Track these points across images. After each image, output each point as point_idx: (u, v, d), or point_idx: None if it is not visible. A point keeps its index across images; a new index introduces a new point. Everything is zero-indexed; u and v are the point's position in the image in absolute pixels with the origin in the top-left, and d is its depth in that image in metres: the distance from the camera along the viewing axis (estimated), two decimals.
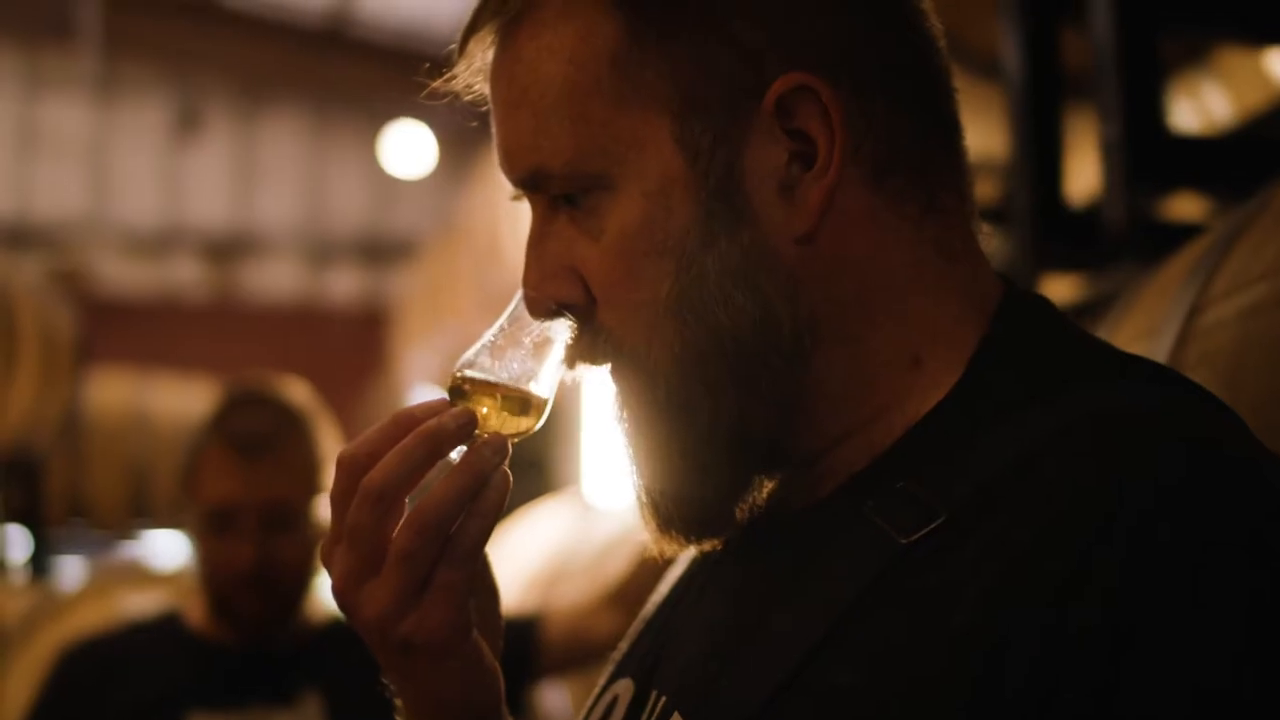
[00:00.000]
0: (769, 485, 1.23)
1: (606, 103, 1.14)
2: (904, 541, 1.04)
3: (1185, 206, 3.07)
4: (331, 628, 3.07)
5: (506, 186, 1.23)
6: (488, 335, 1.22)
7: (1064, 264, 2.85)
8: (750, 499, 1.20)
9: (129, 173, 15.47)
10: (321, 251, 16.23)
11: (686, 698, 1.18)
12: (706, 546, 1.22)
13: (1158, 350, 1.57)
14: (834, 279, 1.14)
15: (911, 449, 1.12)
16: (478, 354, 1.21)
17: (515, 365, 1.21)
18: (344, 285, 16.33)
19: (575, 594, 3.61)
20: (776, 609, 1.13)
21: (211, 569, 2.97)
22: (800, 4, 1.13)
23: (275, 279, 16.07)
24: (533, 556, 4.94)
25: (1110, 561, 0.93)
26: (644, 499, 1.20)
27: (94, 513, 8.03)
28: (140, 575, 5.21)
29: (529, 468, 7.85)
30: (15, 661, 4.67)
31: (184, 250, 15.85)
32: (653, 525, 1.20)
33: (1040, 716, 0.93)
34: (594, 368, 1.20)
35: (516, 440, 1.21)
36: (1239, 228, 1.62)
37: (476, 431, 1.18)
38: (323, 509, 2.97)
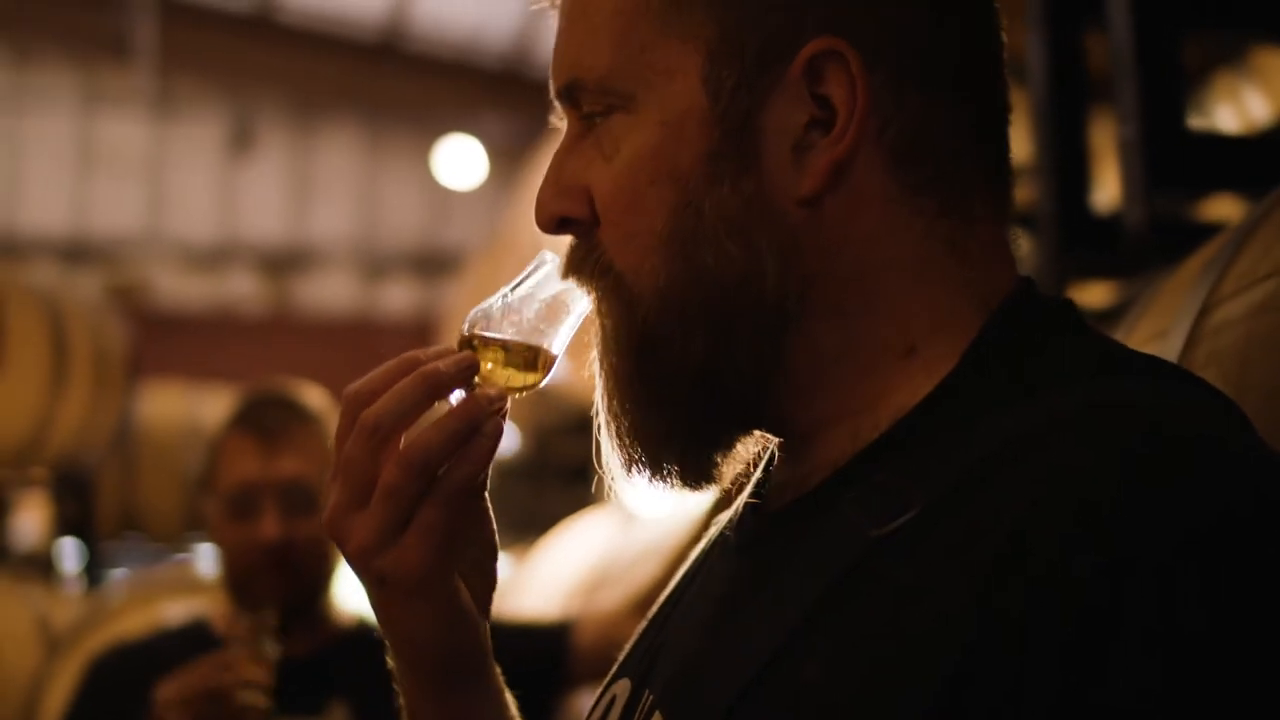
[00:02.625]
0: (767, 470, 1.23)
1: (652, 28, 1.14)
2: (875, 533, 1.03)
3: (1222, 208, 3.04)
4: (357, 631, 3.07)
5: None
6: (505, 290, 1.24)
7: (1091, 270, 2.83)
8: (729, 456, 1.20)
9: (185, 188, 15.60)
10: (375, 264, 16.32)
11: (668, 697, 1.18)
12: (671, 489, 1.21)
13: (1168, 351, 1.55)
14: (834, 252, 1.13)
15: (895, 441, 1.10)
16: (491, 307, 1.23)
17: (527, 322, 1.22)
18: (398, 298, 16.41)
19: (609, 601, 3.62)
20: (755, 604, 1.13)
21: (234, 555, 2.99)
22: None
23: (330, 292, 16.16)
24: (576, 565, 4.94)
25: (1088, 560, 0.91)
26: (609, 431, 1.20)
27: (147, 525, 8.09)
28: (186, 584, 5.25)
29: (573, 478, 7.86)
30: (63, 669, 4.73)
31: (239, 264, 15.97)
32: (617, 459, 1.20)
33: (1010, 716, 0.91)
34: (581, 285, 1.20)
35: (521, 395, 1.22)
36: (1251, 226, 1.61)
37: (479, 380, 1.20)
38: None
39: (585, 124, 1.19)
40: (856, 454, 1.12)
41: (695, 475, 1.19)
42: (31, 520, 7.61)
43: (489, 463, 1.18)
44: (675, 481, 1.19)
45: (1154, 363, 1.13)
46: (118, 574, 8.35)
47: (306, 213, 16.16)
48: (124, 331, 6.99)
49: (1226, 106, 3.72)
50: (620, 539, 4.73)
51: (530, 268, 1.24)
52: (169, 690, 2.57)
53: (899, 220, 1.13)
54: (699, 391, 1.15)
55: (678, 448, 1.18)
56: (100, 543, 7.40)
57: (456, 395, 1.20)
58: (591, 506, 6.03)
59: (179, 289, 15.55)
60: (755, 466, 1.28)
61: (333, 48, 14.91)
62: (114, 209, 15.32)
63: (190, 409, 8.19)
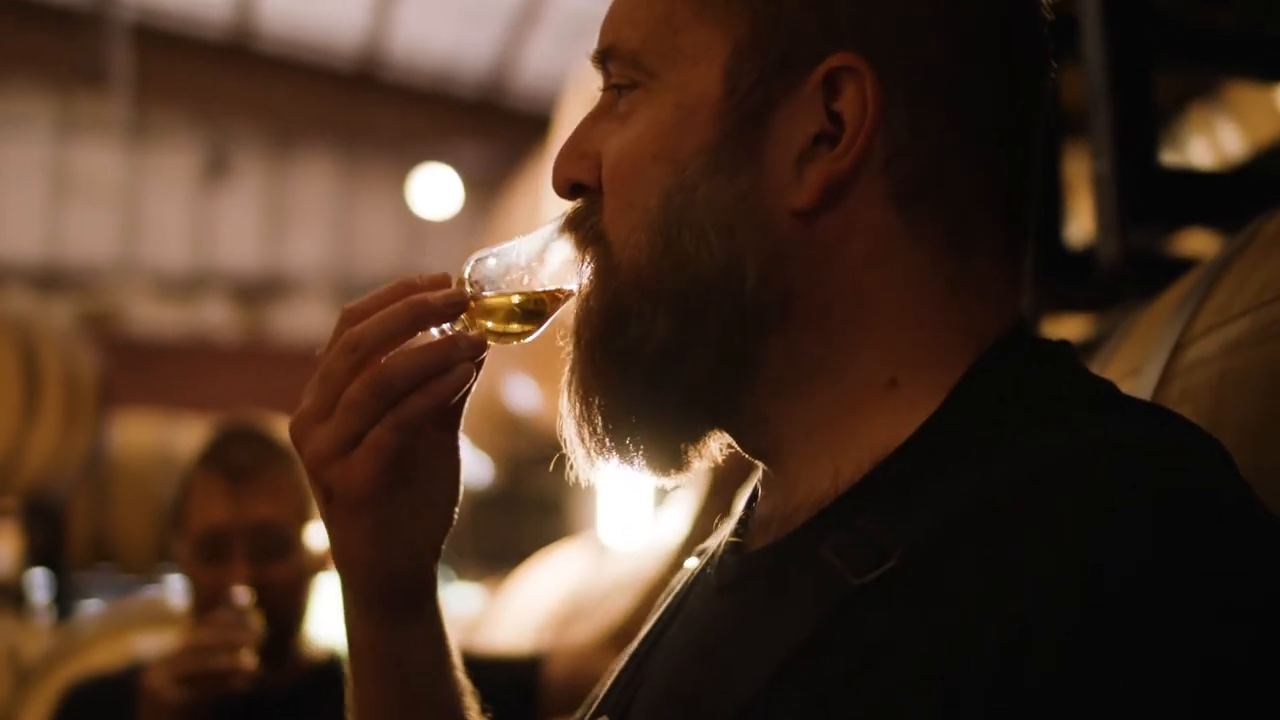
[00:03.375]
0: (749, 508, 1.23)
1: (690, 10, 1.15)
2: (855, 583, 1.01)
3: (1195, 242, 3.04)
4: (330, 664, 3.03)
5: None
6: (516, 240, 1.26)
7: (1065, 304, 2.82)
8: (697, 447, 1.21)
9: (160, 216, 15.58)
10: (351, 293, 16.12)
11: None
12: (637, 472, 1.21)
13: (1142, 388, 1.55)
14: (821, 269, 1.12)
15: (876, 484, 1.09)
16: (498, 254, 1.25)
17: (529, 277, 1.24)
18: None
19: (582, 635, 3.60)
20: (734, 647, 1.12)
21: (204, 597, 2.95)
22: (904, 8, 1.12)
23: (305, 320, 16.13)
24: (549, 598, 4.94)
25: (1069, 615, 0.90)
26: (574, 409, 1.20)
27: (119, 556, 8.03)
28: (157, 616, 5.21)
29: (546, 509, 7.86)
30: (34, 701, 4.70)
31: (214, 292, 15.94)
32: (582, 439, 1.20)
33: None
34: (573, 245, 1.22)
35: (505, 343, 1.25)
36: (1224, 262, 1.60)
37: (466, 320, 1.23)
38: (314, 536, 2.97)
39: (611, 94, 1.20)
40: (838, 496, 1.11)
41: (661, 461, 1.20)
42: (2, 550, 7.55)
43: (448, 400, 1.20)
44: (640, 465, 1.19)
45: (1143, 406, 1.12)
46: (89, 605, 8.29)
47: (282, 241, 16.14)
48: (97, 359, 6.95)
49: (1201, 139, 3.73)
50: (593, 572, 4.73)
51: (547, 225, 1.26)
52: (158, 673, 2.62)
53: (897, 253, 1.12)
54: (656, 374, 1.15)
55: (640, 429, 1.18)
56: (71, 573, 7.34)
57: (446, 329, 1.23)
58: (564, 538, 6.02)
59: (153, 317, 15.50)
60: (737, 504, 1.28)
61: (309, 76, 14.92)
62: (88, 236, 15.28)
63: (164, 438, 8.14)
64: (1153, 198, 2.34)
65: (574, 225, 1.21)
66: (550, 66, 13.99)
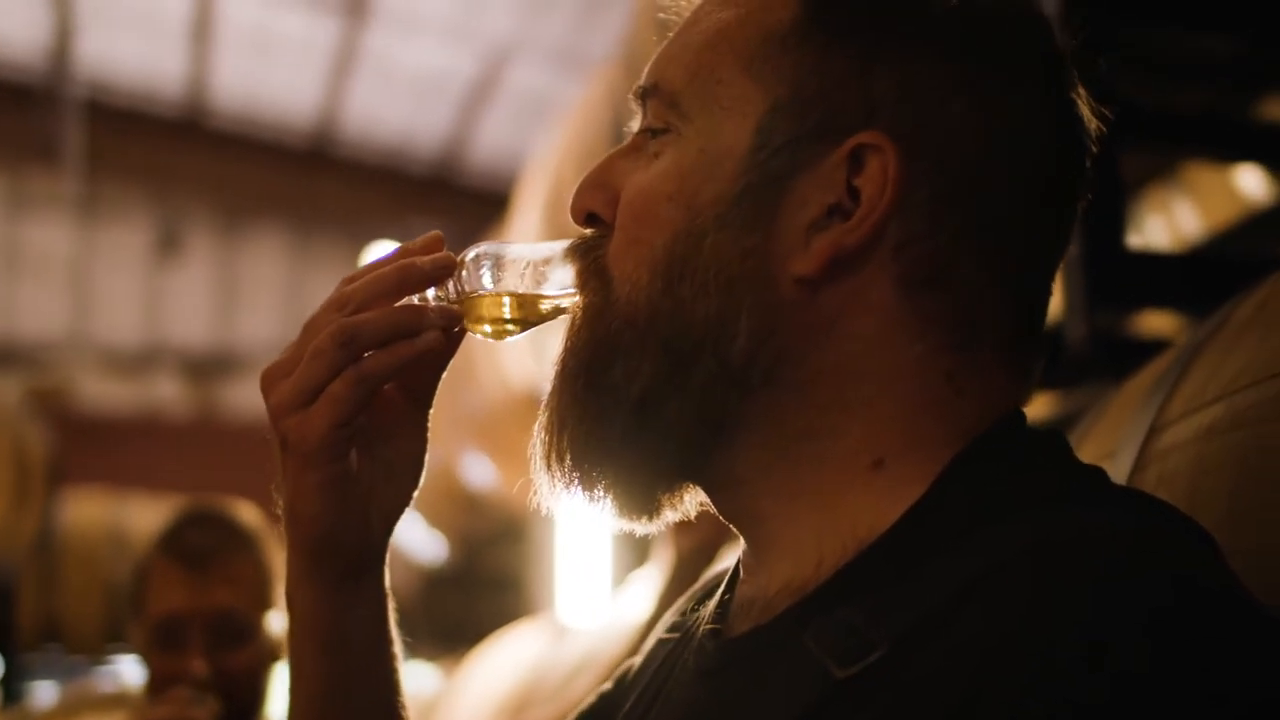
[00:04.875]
0: (729, 592, 1.22)
1: (737, 65, 1.16)
2: (840, 675, 1.00)
3: (1158, 322, 3.06)
4: None
5: None
6: (524, 244, 1.26)
7: None
8: (670, 497, 1.21)
9: (111, 292, 15.50)
10: None
11: None
12: (596, 509, 1.20)
13: (1117, 472, 1.55)
14: (815, 340, 1.12)
15: (860, 572, 1.08)
16: (507, 248, 1.26)
17: (526, 283, 1.25)
18: None
19: (545, 717, 3.57)
20: None
21: (161, 684, 2.89)
22: (943, 101, 1.12)
23: (256, 397, 15.98)
24: (507, 679, 4.89)
25: (1062, 713, 0.88)
26: (547, 440, 1.20)
27: (68, 637, 7.93)
28: (109, 699, 5.14)
29: (503, 588, 7.82)
30: None
31: (165, 369, 15.85)
32: (551, 473, 1.20)
33: None
34: (574, 271, 1.22)
35: (481, 335, 1.27)
36: (1196, 347, 1.61)
37: (453, 299, 1.24)
38: (274, 623, 2.94)
39: (644, 135, 1.22)
40: (820, 582, 1.09)
41: (629, 504, 1.19)
42: None
43: (408, 362, 1.21)
44: (606, 504, 1.19)
45: (1130, 495, 1.12)
46: (39, 687, 8.18)
47: (233, 317, 16.08)
48: (46, 436, 6.90)
49: (1158, 218, 3.76)
50: (552, 652, 4.69)
51: (557, 244, 1.26)
52: None
53: (896, 336, 1.12)
54: (635, 416, 1.15)
55: (611, 468, 1.17)
56: (20, 655, 7.25)
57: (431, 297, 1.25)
58: (522, 617, 5.99)
59: (104, 393, 15.40)
60: (716, 590, 1.26)
61: (261, 153, 14.90)
62: (38, 312, 15.19)
63: (114, 516, 8.07)
64: (1120, 280, 2.35)
65: (579, 254, 1.22)
66: (503, 144, 14.04)
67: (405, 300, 1.24)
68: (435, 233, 1.26)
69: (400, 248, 1.25)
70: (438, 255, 1.24)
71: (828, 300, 1.12)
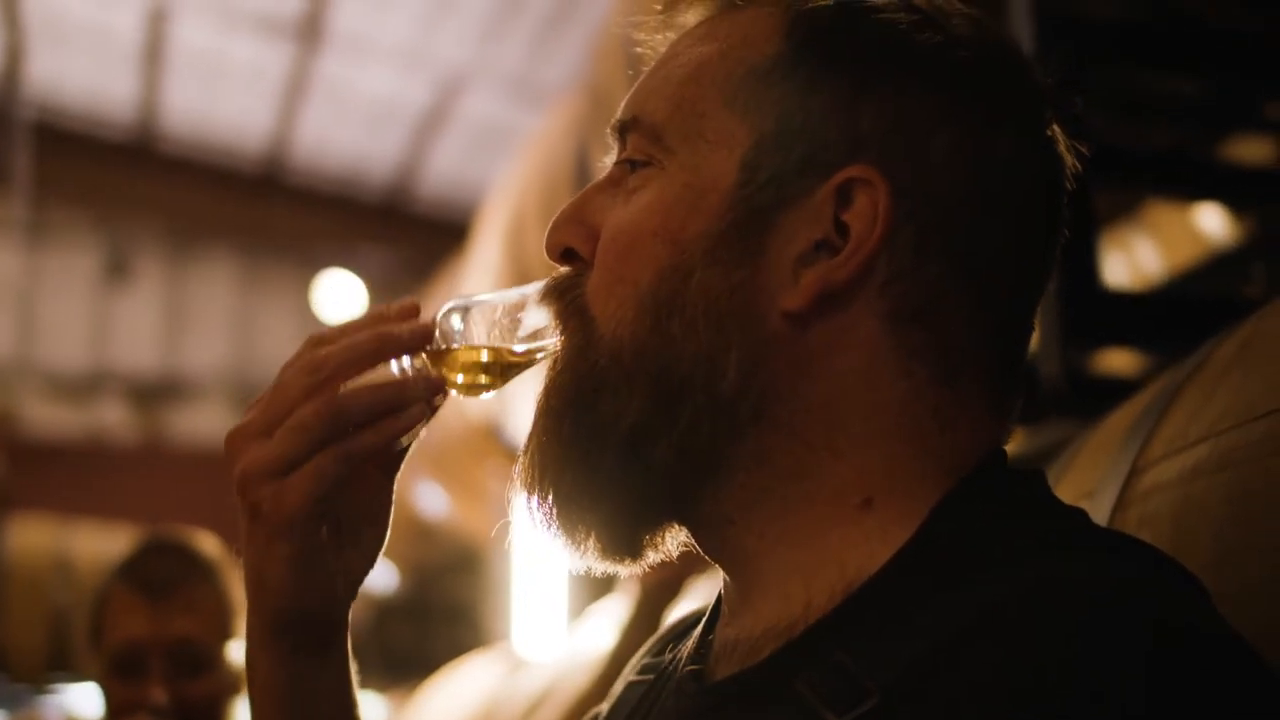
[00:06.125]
0: (708, 632, 1.20)
1: (720, 99, 1.15)
2: None
3: (1121, 361, 3.07)
4: None
5: None
6: (493, 294, 1.25)
7: None
8: (653, 539, 1.19)
9: (57, 317, 15.38)
10: (250, 396, 16.08)
11: None
12: (582, 554, 1.19)
13: (1098, 512, 1.55)
14: (804, 376, 1.11)
15: (850, 616, 1.06)
16: (473, 305, 1.24)
17: (500, 334, 1.23)
18: None
19: None
20: None
21: (119, 714, 2.88)
22: (927, 137, 1.12)
23: (203, 424, 15.97)
24: (462, 710, 4.87)
25: None
26: (528, 479, 1.18)
27: (13, 665, 7.85)
28: None
29: (456, 618, 7.79)
30: None
31: (111, 394, 15.74)
32: (519, 497, 1.19)
33: None
34: (551, 314, 1.21)
35: (462, 394, 1.25)
36: (1176, 388, 1.61)
37: (432, 363, 1.22)
38: (235, 654, 2.91)
39: (624, 167, 1.20)
40: (809, 626, 1.08)
41: (612, 546, 1.18)
42: None
43: (397, 438, 1.20)
44: (589, 547, 1.17)
45: (1115, 538, 1.11)
46: None
47: (181, 343, 16.00)
48: None
49: (1119, 256, 3.78)
50: (507, 684, 4.67)
51: (527, 288, 1.25)
52: None
53: (884, 372, 1.11)
54: (625, 457, 1.13)
55: (596, 509, 1.16)
56: None
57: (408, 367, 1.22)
58: (475, 648, 5.96)
59: (49, 418, 15.28)
60: (695, 628, 1.25)
61: (212, 179, 14.84)
62: None
63: (59, 543, 7.98)
64: (1095, 318, 2.36)
65: (556, 294, 1.20)
66: (456, 172, 14.04)
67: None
68: (412, 301, 1.24)
69: (375, 312, 1.23)
70: (416, 325, 1.21)
71: (815, 336, 1.11)
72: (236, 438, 1.19)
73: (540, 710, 3.76)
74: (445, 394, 1.23)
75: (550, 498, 1.16)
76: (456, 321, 1.23)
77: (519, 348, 1.23)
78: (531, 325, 1.23)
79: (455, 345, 1.23)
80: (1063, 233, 1.21)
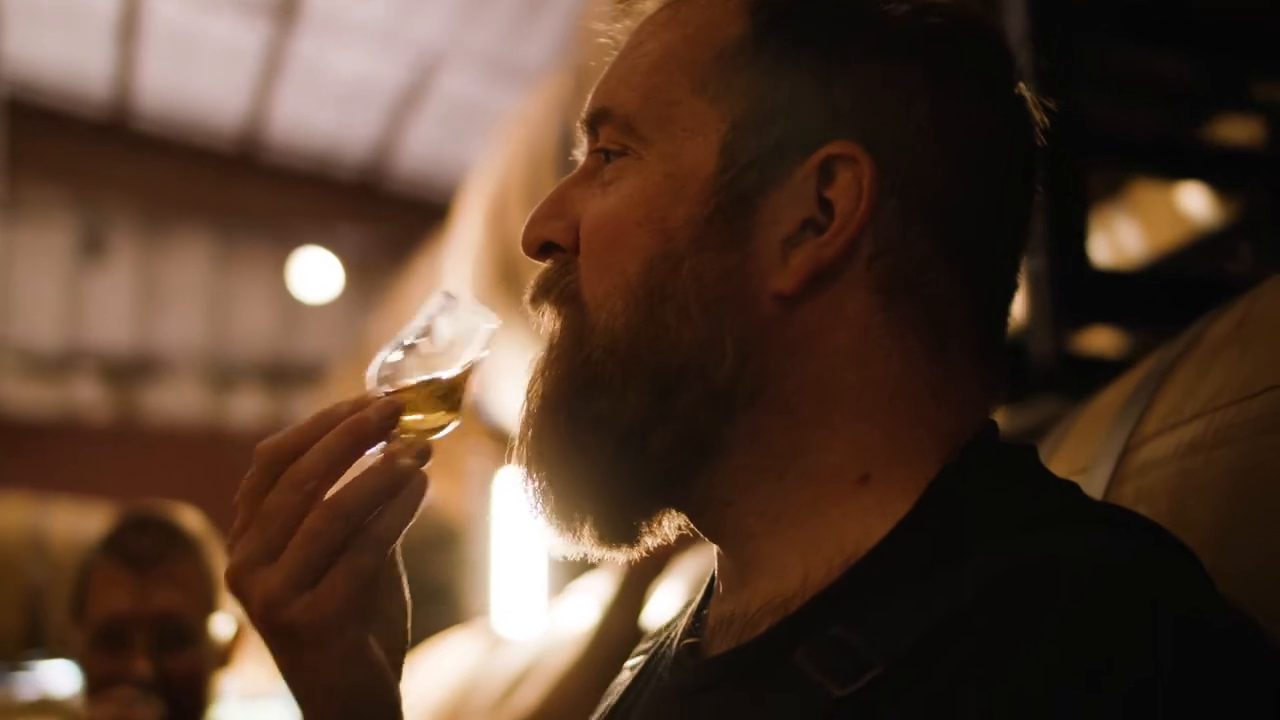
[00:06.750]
0: (703, 606, 1.20)
1: (690, 85, 1.15)
2: (839, 694, 0.98)
3: (1104, 340, 3.08)
4: None
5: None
6: (405, 334, 1.22)
7: None
8: (650, 524, 1.19)
9: (32, 294, 15.33)
10: (224, 375, 16.15)
11: None
12: (580, 544, 1.18)
13: (1092, 488, 1.55)
14: (799, 356, 1.11)
15: (849, 589, 1.06)
16: (395, 352, 1.21)
17: (433, 362, 1.21)
18: (248, 408, 16.22)
19: None
20: None
21: (101, 688, 2.83)
22: (904, 107, 1.11)
23: (177, 402, 15.94)
24: (439, 687, 4.86)
25: None
26: (525, 471, 1.17)
27: None
28: (30, 706, 5.08)
29: (434, 597, 7.76)
30: None
31: (85, 372, 15.70)
32: (531, 503, 1.17)
33: None
34: (544, 310, 1.19)
35: (440, 436, 1.21)
36: (1170, 365, 1.61)
37: (400, 427, 1.18)
38: (218, 627, 2.91)
39: (597, 158, 1.19)
40: (807, 600, 1.08)
41: (610, 535, 1.17)
42: None
43: (416, 511, 1.15)
44: (588, 538, 1.17)
45: (1114, 512, 1.11)
46: None
47: (156, 321, 15.96)
48: None
49: (1101, 236, 3.78)
50: (486, 663, 4.66)
51: (428, 308, 1.23)
52: None
53: (875, 347, 1.11)
54: (624, 448, 1.13)
55: (594, 501, 1.15)
56: None
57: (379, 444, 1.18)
58: (452, 626, 5.96)
59: (23, 396, 15.23)
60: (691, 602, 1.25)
61: (187, 156, 14.78)
62: None
63: (34, 521, 7.95)
64: (1086, 296, 2.36)
65: (545, 290, 1.19)
66: (432, 151, 14.01)
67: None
68: (358, 395, 1.19)
69: (323, 414, 1.17)
70: (382, 403, 1.16)
71: (806, 315, 1.11)
72: (241, 572, 1.12)
73: (522, 687, 3.75)
74: (430, 449, 1.20)
75: (547, 491, 1.16)
76: (387, 374, 1.21)
77: (449, 373, 1.22)
78: (445, 337, 1.21)
79: (406, 401, 1.20)
80: (1037, 191, 1.21)
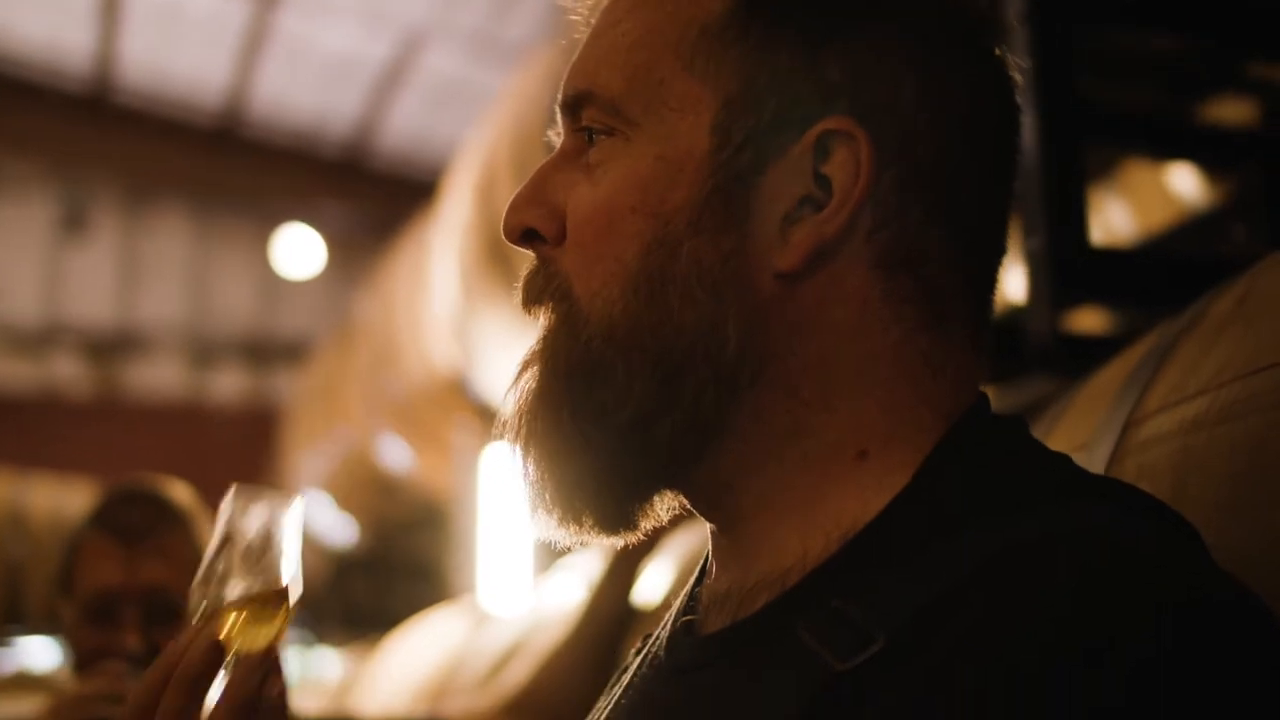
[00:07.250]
0: (698, 584, 1.20)
1: (677, 63, 1.12)
2: (840, 667, 0.97)
3: (1100, 319, 3.08)
4: None
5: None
6: (209, 553, 1.25)
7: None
8: (648, 508, 1.17)
9: (12, 269, 15.30)
10: (205, 351, 16.13)
11: None
12: (579, 535, 1.17)
13: (1093, 464, 1.55)
14: (800, 334, 1.09)
15: (849, 563, 1.05)
16: (208, 573, 1.25)
17: (248, 569, 1.24)
18: (228, 385, 16.22)
19: (471, 703, 3.55)
20: None
21: (91, 662, 2.83)
22: (899, 78, 1.10)
23: (158, 378, 15.92)
24: (425, 664, 4.86)
25: (1075, 704, 0.87)
26: (523, 465, 1.15)
27: None
28: (10, 681, 5.06)
29: (416, 573, 7.78)
30: None
31: (66, 348, 15.67)
32: (529, 497, 1.16)
33: None
34: (536, 314, 1.17)
35: (276, 641, 1.24)
36: (1171, 342, 1.61)
37: (233, 650, 1.22)
38: None
39: (579, 140, 1.16)
40: (806, 574, 1.07)
41: (611, 523, 1.15)
42: None
43: (286, 708, 1.21)
44: (589, 528, 1.15)
45: (1113, 486, 1.11)
46: None
47: (137, 297, 15.93)
48: None
49: (1091, 217, 3.79)
50: (472, 639, 4.66)
51: (224, 516, 1.26)
52: None
53: (876, 322, 1.10)
54: (630, 437, 1.11)
55: (594, 491, 1.14)
56: None
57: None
58: (437, 603, 5.95)
59: (3, 372, 15.20)
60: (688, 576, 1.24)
61: (169, 132, 14.74)
62: None
63: (14, 497, 7.92)
64: (1082, 276, 2.36)
65: (535, 296, 1.17)
66: (415, 128, 13.98)
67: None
68: (190, 629, 1.26)
69: (160, 668, 1.24)
70: (204, 646, 1.23)
71: (808, 292, 1.09)
72: None
73: (511, 663, 3.75)
74: (276, 648, 1.24)
75: (545, 483, 1.14)
76: (213, 597, 1.24)
77: (281, 572, 1.24)
78: (256, 540, 1.24)
79: (232, 618, 1.24)
80: (1020, 158, 1.20)
